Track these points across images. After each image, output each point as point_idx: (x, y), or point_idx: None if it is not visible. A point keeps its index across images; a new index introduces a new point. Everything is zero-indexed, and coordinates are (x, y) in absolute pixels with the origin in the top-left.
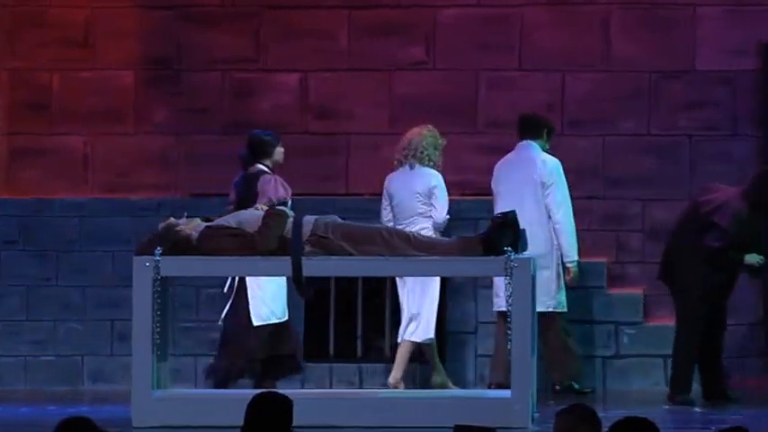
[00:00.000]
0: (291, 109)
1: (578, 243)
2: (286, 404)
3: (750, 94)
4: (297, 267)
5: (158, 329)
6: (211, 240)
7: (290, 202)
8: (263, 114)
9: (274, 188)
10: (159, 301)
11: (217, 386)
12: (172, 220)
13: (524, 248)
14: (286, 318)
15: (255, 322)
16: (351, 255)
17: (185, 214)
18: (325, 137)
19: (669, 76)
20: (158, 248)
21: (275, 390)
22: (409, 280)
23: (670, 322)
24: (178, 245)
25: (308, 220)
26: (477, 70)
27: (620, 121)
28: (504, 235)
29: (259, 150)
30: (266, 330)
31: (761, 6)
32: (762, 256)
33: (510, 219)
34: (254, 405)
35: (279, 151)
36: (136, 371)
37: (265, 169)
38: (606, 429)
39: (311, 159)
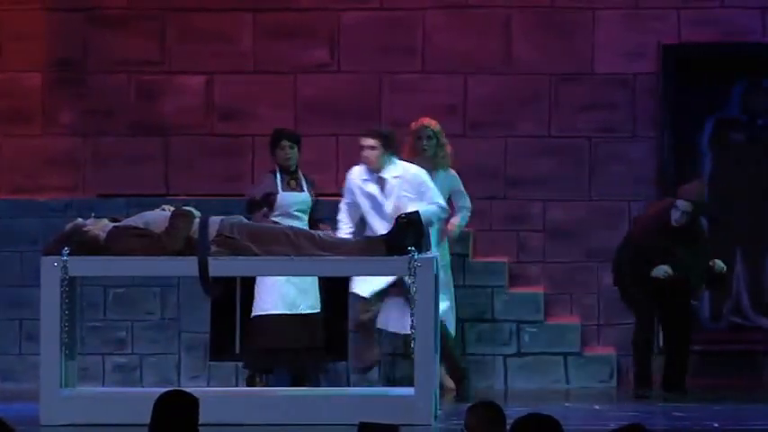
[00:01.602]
0: (196, 111)
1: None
2: (192, 403)
3: (648, 96)
4: (203, 267)
5: (66, 329)
6: (119, 240)
7: (277, 200)
8: (168, 116)
9: (252, 186)
10: (67, 300)
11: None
12: (79, 220)
13: (428, 248)
14: (283, 311)
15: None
16: (257, 255)
17: (92, 215)
18: (230, 138)
19: (569, 79)
20: (65, 249)
21: (181, 389)
22: None
23: (570, 321)
24: (86, 245)
25: (215, 220)
26: (380, 73)
27: (521, 123)
28: (407, 235)
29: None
30: (267, 321)
31: (658, 10)
32: (668, 267)
33: (414, 219)
34: (161, 404)
35: (278, 152)
36: (44, 370)
37: (276, 168)
38: (509, 426)
39: (217, 160)
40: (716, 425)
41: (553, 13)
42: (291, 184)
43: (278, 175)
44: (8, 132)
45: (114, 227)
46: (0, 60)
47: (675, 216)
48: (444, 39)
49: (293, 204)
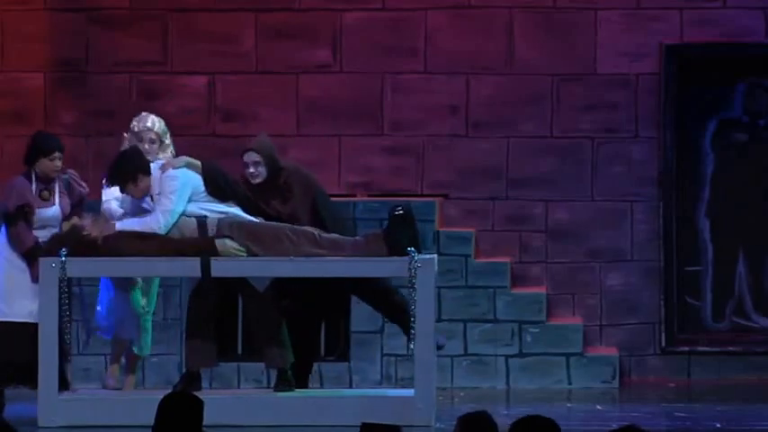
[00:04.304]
0: (198, 111)
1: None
2: (197, 404)
3: (650, 96)
4: (205, 268)
5: (66, 330)
6: (115, 244)
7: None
8: (170, 117)
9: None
10: (66, 301)
11: None
12: (76, 220)
13: (424, 244)
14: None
15: None
16: (255, 254)
17: (90, 214)
18: (231, 139)
19: (571, 79)
20: (63, 249)
21: (185, 390)
22: None
23: (572, 321)
24: (83, 247)
25: (212, 220)
26: (382, 73)
27: (523, 124)
28: (403, 229)
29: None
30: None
31: (659, 10)
32: None
33: (407, 211)
34: (165, 406)
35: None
36: (42, 371)
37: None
38: (508, 428)
39: (219, 161)
40: (718, 425)
41: (555, 14)
42: (45, 195)
43: (33, 184)
44: (10, 133)
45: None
46: (2, 61)
47: None
48: (446, 39)
49: (46, 219)
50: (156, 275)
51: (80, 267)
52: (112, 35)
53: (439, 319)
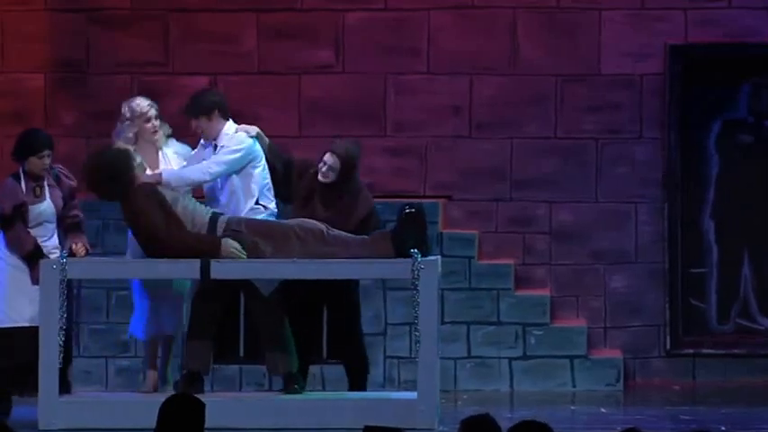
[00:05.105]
0: None
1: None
2: (198, 407)
3: (655, 97)
4: (205, 270)
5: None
6: (147, 198)
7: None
8: (171, 117)
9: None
10: (66, 303)
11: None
12: (131, 150)
13: (431, 247)
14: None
15: None
16: (263, 251)
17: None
18: None
19: (574, 80)
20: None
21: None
22: None
23: (576, 323)
24: (120, 179)
25: (222, 219)
26: (384, 74)
27: (526, 124)
28: (410, 228)
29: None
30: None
31: (664, 10)
32: None
33: (416, 210)
34: (167, 408)
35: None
36: (42, 373)
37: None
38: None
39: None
40: (723, 428)
41: (559, 14)
42: (36, 191)
43: (23, 182)
44: (10, 133)
45: (156, 188)
46: (2, 61)
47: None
48: (449, 39)
49: (39, 215)
50: (155, 276)
51: (81, 269)
52: (113, 35)
53: (442, 322)
